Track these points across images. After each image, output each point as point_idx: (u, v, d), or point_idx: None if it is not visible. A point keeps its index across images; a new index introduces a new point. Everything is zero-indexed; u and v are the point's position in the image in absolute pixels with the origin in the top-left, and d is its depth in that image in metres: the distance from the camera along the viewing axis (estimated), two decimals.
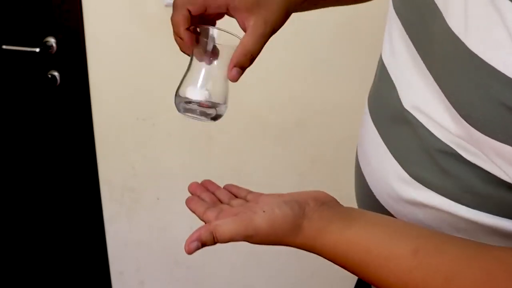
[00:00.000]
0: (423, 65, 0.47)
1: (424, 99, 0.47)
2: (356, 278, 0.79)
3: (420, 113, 0.47)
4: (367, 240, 0.45)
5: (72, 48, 1.33)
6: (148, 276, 1.62)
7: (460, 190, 0.45)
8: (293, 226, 0.46)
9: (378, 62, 0.60)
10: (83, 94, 1.38)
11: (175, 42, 0.58)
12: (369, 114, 0.57)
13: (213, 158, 1.42)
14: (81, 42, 1.32)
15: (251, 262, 1.55)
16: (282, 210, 0.47)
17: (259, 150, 1.40)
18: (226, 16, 0.59)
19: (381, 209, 0.54)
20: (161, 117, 1.39)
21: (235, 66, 0.54)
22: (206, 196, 0.54)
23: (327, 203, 0.49)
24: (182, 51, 0.57)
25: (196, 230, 0.46)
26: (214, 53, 0.56)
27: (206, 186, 0.56)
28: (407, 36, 0.50)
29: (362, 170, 0.58)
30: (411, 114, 0.48)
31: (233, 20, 0.57)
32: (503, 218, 0.44)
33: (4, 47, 1.33)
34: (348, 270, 0.48)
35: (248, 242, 0.47)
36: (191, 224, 0.52)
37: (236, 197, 0.55)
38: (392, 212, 0.53)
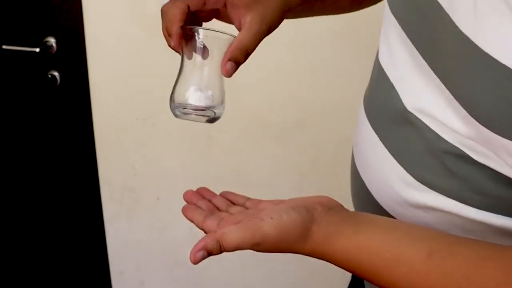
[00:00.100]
0: (427, 66, 0.46)
1: (427, 101, 0.46)
2: (349, 279, 0.79)
3: (424, 114, 0.47)
4: (378, 244, 0.44)
5: (72, 48, 1.33)
6: (148, 276, 1.62)
7: (469, 191, 0.45)
8: (302, 232, 0.45)
9: (374, 65, 0.59)
10: (83, 94, 1.38)
11: None
12: (365, 117, 0.56)
13: (213, 158, 1.42)
14: (81, 42, 1.32)
15: (251, 262, 1.55)
16: (290, 216, 0.45)
17: (259, 150, 1.40)
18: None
19: (381, 213, 0.53)
20: (161, 117, 1.39)
21: (229, 60, 0.52)
22: (202, 204, 0.52)
23: (333, 208, 0.48)
24: (171, 47, 0.54)
25: (202, 239, 0.45)
26: (206, 54, 0.55)
27: (202, 193, 0.55)
28: (406, 38, 0.49)
29: (360, 173, 0.57)
30: (415, 116, 0.48)
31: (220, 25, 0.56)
32: None
33: (4, 47, 1.33)
34: (359, 275, 0.47)
35: (255, 250, 0.45)
36: (191, 224, 0.52)
37: (234, 204, 0.53)
38: (395, 216, 0.52)
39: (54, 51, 1.33)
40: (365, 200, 0.57)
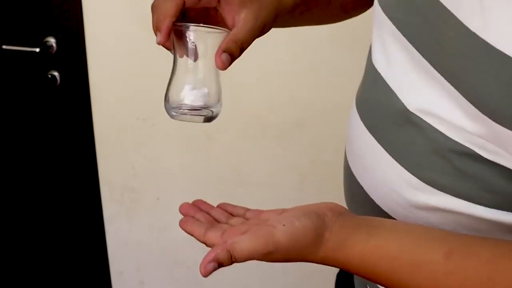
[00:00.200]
0: (429, 66, 0.46)
1: (431, 101, 0.46)
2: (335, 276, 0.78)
3: (427, 115, 0.46)
4: (394, 247, 0.43)
5: (72, 48, 1.33)
6: (148, 276, 1.62)
7: (478, 190, 0.44)
8: (315, 239, 0.44)
9: (366, 67, 0.58)
10: (83, 94, 1.38)
11: None
12: (359, 118, 0.55)
13: (213, 158, 1.42)
14: (81, 42, 1.32)
15: (251, 262, 1.54)
16: (302, 222, 0.44)
17: (259, 150, 1.40)
18: None
19: (381, 215, 0.52)
20: (161, 117, 1.39)
21: (224, 51, 0.50)
22: (200, 216, 0.50)
23: (343, 213, 0.47)
24: (158, 43, 0.52)
25: (212, 250, 0.43)
26: (198, 52, 0.53)
27: (199, 206, 0.52)
28: (404, 38, 0.48)
29: (356, 176, 0.56)
30: (418, 117, 0.47)
31: None
32: None
33: (4, 47, 1.33)
34: (375, 281, 0.46)
35: (266, 260, 0.44)
36: None
37: (233, 215, 0.51)
38: (397, 218, 0.51)
39: (54, 51, 1.33)
40: (361, 203, 0.55)
